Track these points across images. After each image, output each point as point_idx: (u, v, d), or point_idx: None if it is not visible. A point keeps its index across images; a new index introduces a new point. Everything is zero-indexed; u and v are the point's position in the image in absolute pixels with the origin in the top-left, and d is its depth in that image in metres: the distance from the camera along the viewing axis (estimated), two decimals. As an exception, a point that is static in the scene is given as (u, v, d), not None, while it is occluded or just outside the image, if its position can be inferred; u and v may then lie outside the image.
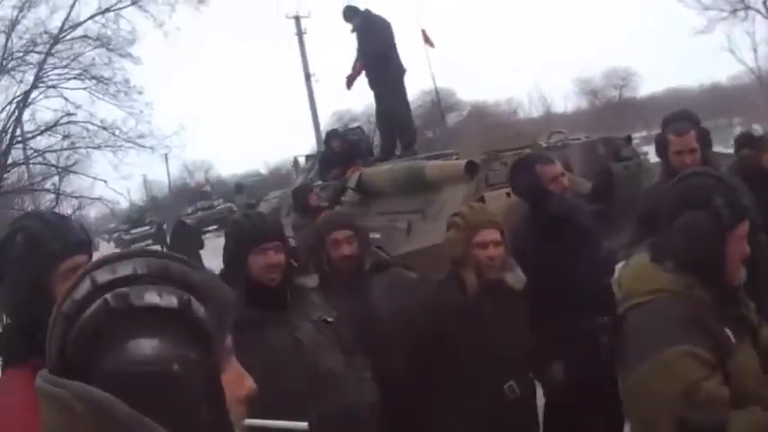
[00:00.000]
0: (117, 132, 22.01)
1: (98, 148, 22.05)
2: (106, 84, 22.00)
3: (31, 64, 21.36)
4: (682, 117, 5.30)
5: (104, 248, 52.60)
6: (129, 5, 22.00)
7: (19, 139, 21.60)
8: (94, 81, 22.00)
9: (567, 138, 9.53)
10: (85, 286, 1.26)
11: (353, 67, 11.63)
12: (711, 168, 3.38)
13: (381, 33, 11.32)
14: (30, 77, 21.32)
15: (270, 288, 3.65)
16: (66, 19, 21.33)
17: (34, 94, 21.49)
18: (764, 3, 34.33)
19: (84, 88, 22.00)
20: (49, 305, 1.32)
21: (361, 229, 4.65)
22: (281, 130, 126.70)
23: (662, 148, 5.03)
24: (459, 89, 72.89)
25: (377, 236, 8.35)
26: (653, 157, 7.49)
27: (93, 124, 21.96)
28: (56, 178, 22.59)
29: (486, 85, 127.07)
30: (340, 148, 11.75)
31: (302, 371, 3.55)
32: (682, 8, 38.76)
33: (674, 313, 2.60)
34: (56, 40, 21.29)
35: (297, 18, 38.86)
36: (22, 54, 21.11)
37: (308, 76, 37.90)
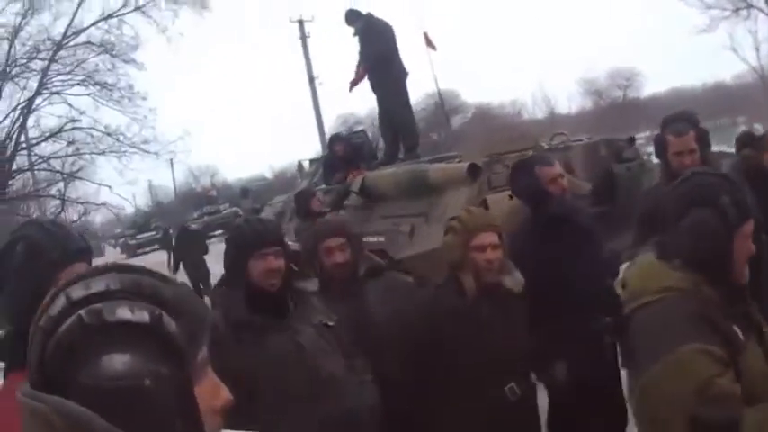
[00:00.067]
0: (121, 138, 22.17)
1: (103, 153, 22.18)
2: (110, 90, 22.16)
3: (35, 71, 21.50)
4: (681, 118, 5.31)
5: (110, 253, 52.71)
6: (132, 11, 22.17)
7: (23, 145, 21.70)
8: (98, 87, 22.16)
9: (568, 139, 9.51)
10: (60, 302, 1.29)
11: (356, 72, 11.64)
12: (713, 168, 3.39)
13: (383, 36, 11.31)
14: (33, 84, 21.47)
15: (270, 293, 3.66)
16: (70, 25, 21.48)
17: (38, 100, 21.65)
18: (767, 1, 34.27)
19: (88, 94, 22.17)
20: None
21: (354, 236, 4.67)
22: (286, 133, 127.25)
23: (661, 149, 5.03)
24: (464, 91, 73.10)
25: (381, 239, 8.37)
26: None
27: (97, 130, 22.12)
28: (61, 184, 22.67)
29: (490, 87, 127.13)
30: (343, 152, 11.71)
31: (303, 375, 3.56)
32: (683, 7, 38.76)
33: (684, 311, 2.58)
34: (59, 46, 21.38)
35: (300, 22, 38.93)
36: (25, 61, 21.24)
37: (311, 80, 37.94)
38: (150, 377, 1.23)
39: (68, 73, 22.13)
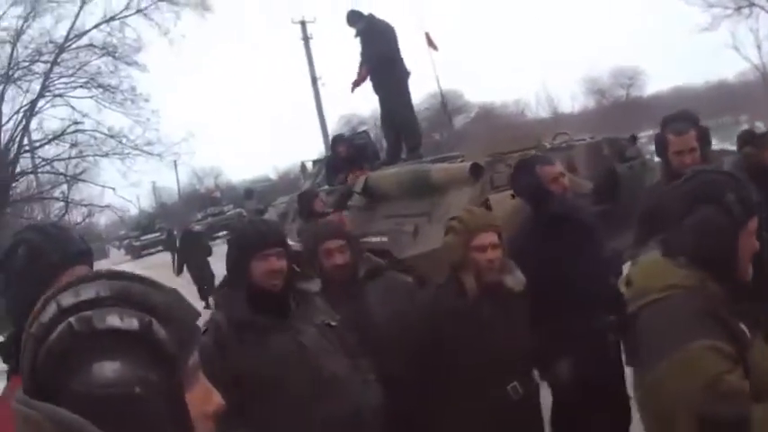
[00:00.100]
0: (124, 140, 22.19)
1: (106, 156, 22.19)
2: (113, 92, 22.18)
3: (37, 73, 21.51)
4: (681, 117, 5.30)
5: (115, 255, 52.80)
6: (133, 14, 22.19)
7: (27, 148, 21.73)
8: (101, 89, 22.18)
9: (571, 138, 9.50)
10: (51, 310, 1.31)
11: (359, 73, 11.63)
12: (717, 166, 3.39)
13: (385, 37, 11.30)
14: (36, 87, 21.49)
15: (272, 294, 3.67)
16: (72, 28, 21.50)
17: (41, 103, 21.67)
18: (769, -1, 34.22)
19: (91, 97, 22.19)
20: None
21: (354, 238, 4.69)
22: (290, 134, 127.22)
23: (661, 148, 5.03)
24: (467, 91, 73.13)
25: (384, 239, 8.37)
26: (658, 157, 7.48)
27: (100, 132, 22.14)
28: (64, 186, 22.68)
29: (493, 87, 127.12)
30: (346, 153, 11.69)
31: (306, 375, 3.56)
32: (685, 6, 38.69)
33: (690, 308, 2.57)
34: (61, 49, 21.41)
35: (302, 23, 38.91)
36: (27, 64, 21.26)
37: (314, 81, 37.90)
38: (140, 384, 1.25)
39: (71, 75, 22.17)
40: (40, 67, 21.51)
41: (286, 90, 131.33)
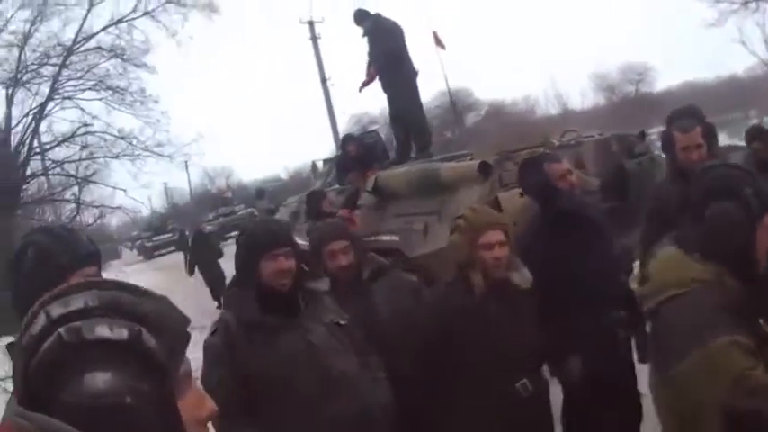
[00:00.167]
0: (134, 142, 22.13)
1: (116, 157, 22.17)
2: (122, 94, 22.14)
3: (46, 76, 21.50)
4: (686, 113, 5.28)
5: (127, 256, 52.91)
6: (141, 16, 22.15)
7: (37, 150, 21.72)
8: (110, 91, 22.15)
9: (579, 135, 9.49)
10: (41, 320, 1.32)
11: (367, 72, 11.63)
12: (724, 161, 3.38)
13: (392, 36, 11.30)
14: (45, 89, 21.46)
15: (281, 293, 3.68)
16: (79, 31, 21.48)
17: (50, 105, 21.65)
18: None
19: (100, 99, 22.17)
20: None
21: (357, 238, 4.69)
22: (300, 134, 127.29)
23: (668, 145, 5.02)
24: (477, 89, 72.96)
25: (395, 238, 8.39)
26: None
27: (110, 134, 22.10)
28: (76, 188, 22.69)
29: (502, 84, 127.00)
30: (356, 152, 11.69)
31: (315, 374, 3.57)
32: (691, 2, 38.49)
33: (711, 304, 2.55)
34: (69, 51, 21.41)
35: (311, 23, 38.86)
36: (36, 67, 21.25)
37: (323, 80, 37.83)
38: (131, 394, 1.26)
39: (80, 78, 22.14)
40: (48, 70, 21.51)
41: (296, 90, 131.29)
